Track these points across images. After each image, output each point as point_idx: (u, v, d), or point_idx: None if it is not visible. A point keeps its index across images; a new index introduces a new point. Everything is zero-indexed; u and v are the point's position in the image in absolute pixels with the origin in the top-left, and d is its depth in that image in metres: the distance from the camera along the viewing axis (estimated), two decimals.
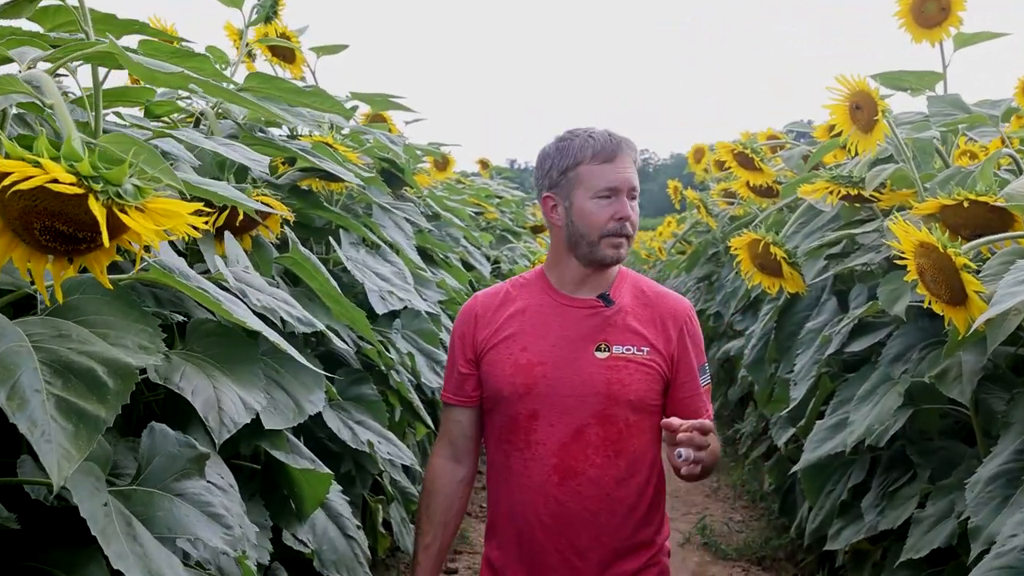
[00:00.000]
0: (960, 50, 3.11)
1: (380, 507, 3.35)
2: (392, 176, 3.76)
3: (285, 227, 2.48)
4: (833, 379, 3.21)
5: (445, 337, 4.09)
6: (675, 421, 1.78)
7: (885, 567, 2.76)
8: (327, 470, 2.25)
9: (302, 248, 2.35)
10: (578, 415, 1.93)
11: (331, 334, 2.20)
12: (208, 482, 1.78)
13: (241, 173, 2.60)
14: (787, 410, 3.19)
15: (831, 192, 2.60)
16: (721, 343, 6.38)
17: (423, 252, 4.36)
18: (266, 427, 2.00)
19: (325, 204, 2.91)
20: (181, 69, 1.22)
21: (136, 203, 1.08)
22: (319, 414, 2.62)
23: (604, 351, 1.94)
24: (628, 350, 1.95)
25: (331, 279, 2.34)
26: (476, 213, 6.36)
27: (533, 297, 2.03)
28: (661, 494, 2.05)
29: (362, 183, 2.79)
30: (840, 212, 3.07)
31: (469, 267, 5.32)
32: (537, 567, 2.00)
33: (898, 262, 1.94)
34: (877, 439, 2.42)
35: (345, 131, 3.22)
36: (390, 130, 4.41)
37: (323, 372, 2.26)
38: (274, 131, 2.77)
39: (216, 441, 1.58)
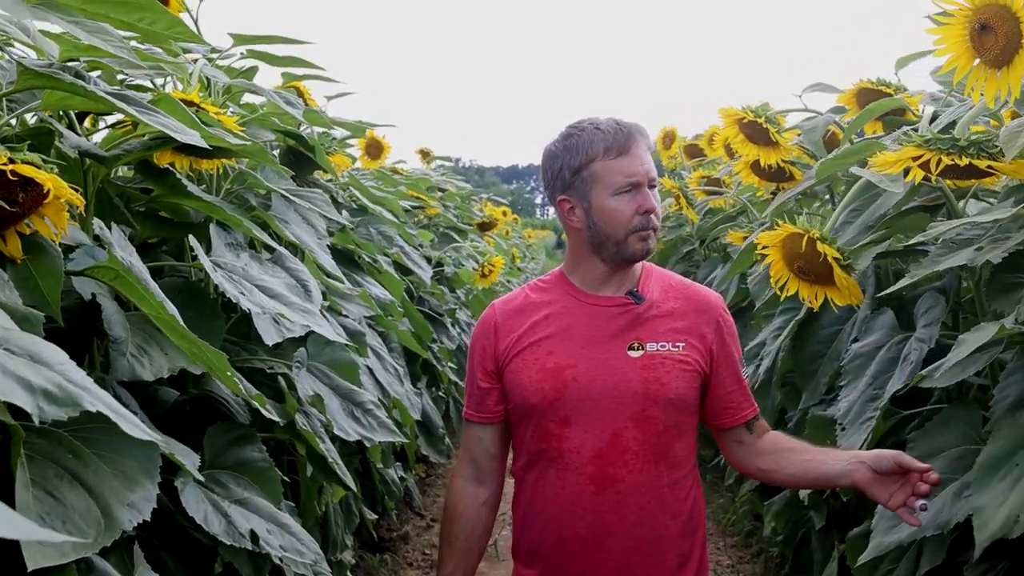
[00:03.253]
0: None
1: None
2: (300, 156, 2.87)
3: (112, 225, 1.60)
4: (886, 417, 2.40)
5: (375, 364, 3.22)
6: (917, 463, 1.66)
7: None
8: None
9: (122, 254, 1.47)
10: (614, 419, 1.83)
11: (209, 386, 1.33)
12: None
13: (46, 138, 1.72)
14: None
15: (925, 162, 1.77)
16: None
17: (346, 255, 3.47)
18: (31, 567, 1.18)
19: (189, 189, 2.03)
20: None
21: None
22: (176, 493, 1.81)
23: (638, 349, 1.85)
24: (663, 347, 1.85)
25: (167, 303, 1.46)
26: (415, 207, 5.46)
27: (556, 300, 1.92)
28: (700, 502, 1.92)
29: (231, 148, 1.91)
30: (902, 195, 2.24)
31: (406, 271, 4.44)
32: None
33: None
34: (1011, 532, 1.62)
35: (219, 87, 2.33)
36: (306, 104, 3.52)
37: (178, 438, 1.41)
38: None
39: None
